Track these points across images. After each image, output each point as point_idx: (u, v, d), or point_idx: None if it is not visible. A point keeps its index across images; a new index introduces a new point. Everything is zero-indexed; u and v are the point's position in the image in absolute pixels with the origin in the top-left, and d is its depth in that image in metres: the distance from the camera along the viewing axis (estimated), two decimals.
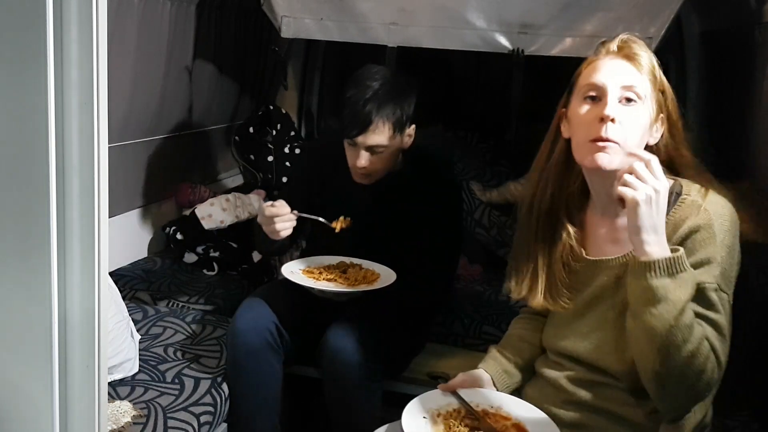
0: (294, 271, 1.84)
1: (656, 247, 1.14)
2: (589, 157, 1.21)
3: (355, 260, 1.90)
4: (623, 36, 1.28)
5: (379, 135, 1.77)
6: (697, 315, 1.15)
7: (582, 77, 1.28)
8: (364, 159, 1.80)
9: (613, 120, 1.18)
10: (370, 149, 1.80)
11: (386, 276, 1.81)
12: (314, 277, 1.82)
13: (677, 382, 1.15)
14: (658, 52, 2.29)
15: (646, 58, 1.25)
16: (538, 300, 1.34)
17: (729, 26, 2.41)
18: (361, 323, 1.78)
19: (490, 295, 2.59)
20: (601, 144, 1.19)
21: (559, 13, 2.37)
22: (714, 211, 1.19)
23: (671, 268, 1.12)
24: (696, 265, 1.16)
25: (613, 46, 1.27)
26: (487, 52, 2.49)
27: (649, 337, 1.14)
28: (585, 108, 1.24)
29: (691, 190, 1.24)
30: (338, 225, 1.84)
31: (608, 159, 1.19)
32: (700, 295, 1.16)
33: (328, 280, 1.81)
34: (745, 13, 2.10)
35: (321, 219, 1.83)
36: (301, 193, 1.97)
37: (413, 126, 1.86)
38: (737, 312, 1.25)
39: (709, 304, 1.16)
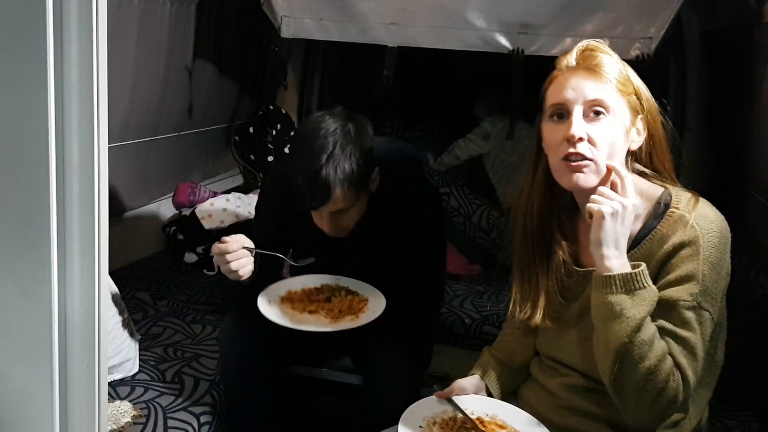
0: (271, 300, 1.63)
1: (616, 261, 1.14)
2: (566, 177, 1.19)
3: (342, 280, 1.72)
4: (581, 46, 1.23)
5: (343, 201, 1.57)
6: (666, 332, 1.14)
7: (547, 96, 1.24)
8: (328, 224, 1.63)
9: (581, 139, 1.16)
10: (335, 213, 1.61)
11: (374, 302, 1.64)
12: (294, 309, 1.62)
13: (636, 397, 1.14)
14: (658, 52, 2.32)
15: (610, 65, 1.19)
16: (538, 320, 1.31)
17: (729, 26, 2.41)
18: (396, 332, 1.72)
19: (491, 295, 2.60)
20: (575, 164, 1.17)
21: (559, 13, 2.36)
22: (702, 226, 1.16)
23: (629, 284, 1.12)
24: (675, 282, 1.15)
25: (572, 59, 1.22)
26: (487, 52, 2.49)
27: (606, 350, 1.14)
28: (553, 128, 1.21)
29: (681, 201, 1.20)
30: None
31: (585, 178, 1.17)
32: (672, 312, 1.14)
33: (311, 312, 1.62)
34: (745, 13, 2.11)
35: (281, 256, 1.65)
36: (270, 234, 1.77)
37: (377, 169, 1.65)
38: (737, 312, 1.25)
39: (681, 322, 1.14)
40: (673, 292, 1.15)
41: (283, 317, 1.57)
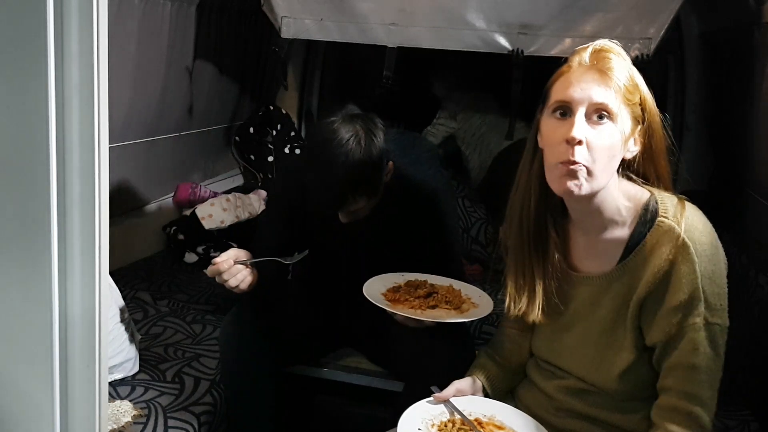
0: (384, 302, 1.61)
1: None
2: (557, 182, 1.17)
3: (419, 276, 1.74)
4: (596, 45, 1.20)
5: (354, 204, 1.64)
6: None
7: (553, 91, 1.21)
8: (344, 218, 1.70)
9: (580, 142, 1.13)
10: (350, 211, 1.69)
11: (465, 289, 1.70)
12: (414, 308, 1.62)
13: None
14: (658, 53, 2.32)
15: (622, 70, 1.17)
16: (536, 316, 1.30)
17: (728, 27, 2.41)
18: (430, 332, 1.68)
19: (490, 294, 2.59)
20: (570, 168, 1.14)
21: (558, 14, 2.36)
22: (693, 239, 1.15)
23: None
24: (681, 306, 1.15)
25: (586, 57, 1.19)
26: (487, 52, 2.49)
27: None
28: (554, 124, 1.19)
29: (668, 209, 1.19)
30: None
31: (577, 185, 1.15)
32: (684, 339, 1.16)
33: (432, 307, 1.63)
34: (745, 14, 2.11)
35: (275, 258, 1.67)
36: (282, 225, 1.84)
37: (390, 163, 1.71)
38: (737, 312, 1.25)
39: (693, 348, 1.16)
40: (679, 318, 1.15)
41: (426, 315, 1.58)
